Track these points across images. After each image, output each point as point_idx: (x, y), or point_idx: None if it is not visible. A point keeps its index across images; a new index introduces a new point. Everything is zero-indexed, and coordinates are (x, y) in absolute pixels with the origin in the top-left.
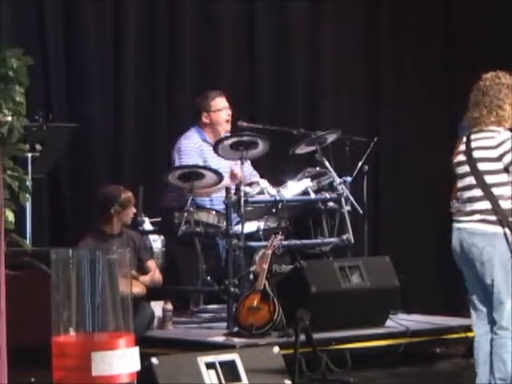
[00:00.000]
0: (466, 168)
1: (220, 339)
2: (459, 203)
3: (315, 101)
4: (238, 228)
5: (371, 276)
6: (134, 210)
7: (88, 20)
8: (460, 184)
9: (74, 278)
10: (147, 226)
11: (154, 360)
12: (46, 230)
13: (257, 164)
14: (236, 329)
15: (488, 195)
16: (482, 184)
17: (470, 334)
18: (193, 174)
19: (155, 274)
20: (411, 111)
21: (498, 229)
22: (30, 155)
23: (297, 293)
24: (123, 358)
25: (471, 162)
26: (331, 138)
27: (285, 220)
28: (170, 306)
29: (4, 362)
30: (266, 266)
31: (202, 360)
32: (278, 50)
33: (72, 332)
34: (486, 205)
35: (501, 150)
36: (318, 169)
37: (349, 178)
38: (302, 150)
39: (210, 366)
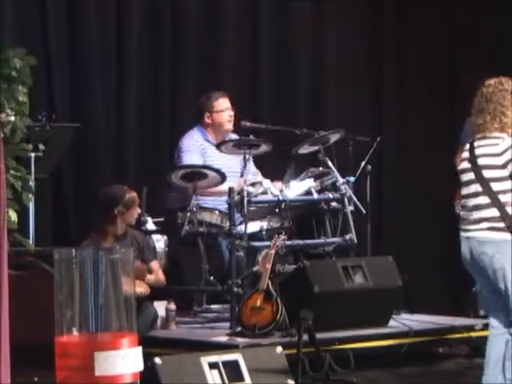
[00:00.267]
0: (471, 175)
1: (223, 339)
2: (465, 211)
3: (318, 100)
4: (241, 228)
5: (374, 276)
6: (139, 211)
7: (91, 19)
8: (465, 191)
9: (77, 277)
10: (150, 225)
11: (157, 360)
12: (49, 229)
13: (260, 164)
14: (239, 329)
15: (495, 202)
16: (488, 191)
17: (473, 334)
18: (196, 173)
19: (158, 275)
20: (414, 111)
21: (507, 235)
22: (33, 155)
23: (300, 293)
24: (126, 358)
25: (476, 169)
26: (334, 137)
27: (288, 220)
28: (173, 306)
29: (7, 362)
30: (269, 266)
31: (205, 360)
32: (281, 49)
33: (75, 332)
34: (493, 212)
35: (505, 157)
36: (320, 169)
37: (352, 178)
38: (305, 149)
39: (213, 365)
